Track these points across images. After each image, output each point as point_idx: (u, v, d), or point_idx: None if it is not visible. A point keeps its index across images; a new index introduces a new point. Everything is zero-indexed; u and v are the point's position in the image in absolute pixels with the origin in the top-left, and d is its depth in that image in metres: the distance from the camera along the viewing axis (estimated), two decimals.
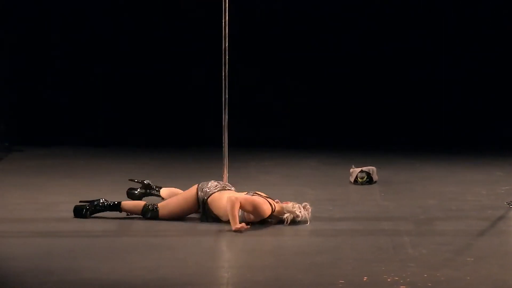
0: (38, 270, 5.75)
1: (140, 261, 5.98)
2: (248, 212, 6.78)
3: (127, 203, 7.06)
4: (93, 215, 7.00)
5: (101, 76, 10.43)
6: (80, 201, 7.11)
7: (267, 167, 9.32)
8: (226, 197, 6.84)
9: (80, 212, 7.00)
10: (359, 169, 8.50)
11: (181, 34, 10.40)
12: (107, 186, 8.12)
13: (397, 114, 10.52)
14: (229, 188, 7.03)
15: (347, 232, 6.79)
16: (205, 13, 10.22)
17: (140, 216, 7.00)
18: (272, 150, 10.12)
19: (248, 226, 6.72)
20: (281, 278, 5.68)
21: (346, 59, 10.48)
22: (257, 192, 7.01)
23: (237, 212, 6.73)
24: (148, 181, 7.60)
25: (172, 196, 7.26)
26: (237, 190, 7.09)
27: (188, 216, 7.08)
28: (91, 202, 7.04)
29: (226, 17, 7.34)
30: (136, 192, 7.55)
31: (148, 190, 7.55)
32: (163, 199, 7.37)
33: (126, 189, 7.57)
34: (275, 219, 6.93)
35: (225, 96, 7.43)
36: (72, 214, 7.06)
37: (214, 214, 6.90)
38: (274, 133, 10.50)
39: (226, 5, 7.34)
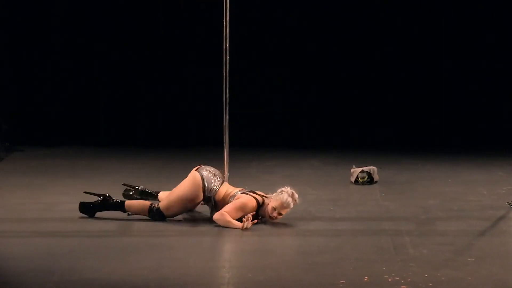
0: (39, 270, 5.76)
1: (141, 261, 5.99)
2: (239, 216, 6.83)
3: (132, 203, 7.04)
4: (97, 213, 7.00)
5: (102, 76, 10.43)
6: (85, 192, 7.11)
7: (268, 167, 9.33)
8: (223, 191, 6.95)
9: (86, 208, 6.99)
10: (360, 169, 8.51)
11: (181, 34, 10.41)
12: (108, 186, 8.11)
13: (398, 114, 10.52)
14: (222, 179, 7.08)
15: (348, 232, 6.80)
16: (205, 13, 10.23)
17: (145, 216, 7.00)
18: (274, 150, 10.13)
19: (251, 216, 6.78)
20: (282, 278, 5.69)
21: (347, 59, 10.48)
22: (255, 191, 7.04)
23: (231, 218, 6.78)
24: (142, 187, 7.51)
25: None
26: (238, 188, 7.13)
27: (189, 216, 7.11)
28: (99, 196, 7.01)
29: (226, 17, 7.35)
30: (131, 193, 7.50)
31: (143, 197, 7.47)
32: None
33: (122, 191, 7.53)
34: (268, 214, 6.92)
35: (225, 96, 7.44)
36: (73, 213, 7.07)
37: (218, 207, 6.97)
38: (275, 133, 10.50)
39: (226, 5, 7.34)
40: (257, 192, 7.05)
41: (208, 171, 7.04)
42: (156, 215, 6.96)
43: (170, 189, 7.32)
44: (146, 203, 7.06)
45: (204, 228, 6.86)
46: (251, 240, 6.57)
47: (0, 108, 10.14)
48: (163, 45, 10.40)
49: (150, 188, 7.56)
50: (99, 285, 5.53)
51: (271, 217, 6.91)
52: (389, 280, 5.62)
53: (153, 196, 7.44)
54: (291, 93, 10.52)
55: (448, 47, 10.42)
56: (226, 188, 7.04)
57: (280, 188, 6.97)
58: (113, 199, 7.06)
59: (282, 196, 6.88)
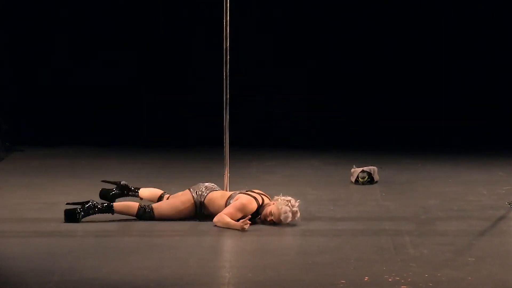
0: (39, 270, 5.76)
1: (141, 261, 5.99)
2: (239, 217, 6.83)
3: (120, 205, 6.96)
4: (84, 218, 6.93)
5: (102, 76, 10.43)
6: (68, 203, 6.99)
7: (268, 167, 9.33)
8: (219, 196, 6.95)
9: (72, 216, 6.89)
10: (360, 169, 8.51)
11: (182, 34, 10.41)
12: (109, 186, 8.12)
13: (399, 113, 10.52)
14: (217, 189, 7.08)
15: (348, 232, 6.80)
16: (205, 12, 10.23)
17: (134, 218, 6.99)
18: (274, 150, 10.13)
19: (248, 217, 6.77)
20: (282, 278, 5.69)
21: (347, 58, 10.48)
22: (253, 190, 7.04)
23: (229, 219, 6.78)
24: (124, 182, 7.48)
25: (153, 196, 7.28)
26: (236, 190, 7.13)
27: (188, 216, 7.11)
28: (82, 204, 6.93)
29: (226, 17, 7.36)
30: (111, 193, 7.46)
31: (125, 191, 7.45)
32: (141, 199, 7.34)
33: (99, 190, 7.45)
34: (263, 215, 6.92)
35: (226, 95, 7.44)
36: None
37: (210, 213, 6.95)
38: (275, 133, 10.51)
39: (226, 4, 7.35)
40: (254, 190, 7.03)
41: (197, 185, 7.04)
42: (146, 213, 6.93)
43: (170, 190, 7.34)
44: (134, 204, 6.97)
45: (204, 228, 6.86)
46: (252, 240, 6.57)
47: (0, 108, 10.14)
48: (163, 44, 10.40)
49: (147, 187, 7.56)
50: (99, 285, 5.53)
51: (265, 220, 6.90)
52: (389, 280, 5.62)
53: (133, 191, 7.38)
54: (292, 93, 10.52)
55: (448, 46, 10.43)
56: (221, 193, 7.02)
57: (290, 196, 6.90)
58: (98, 203, 6.93)
59: (284, 209, 6.83)
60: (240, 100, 9.94)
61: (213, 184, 7.13)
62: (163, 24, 10.38)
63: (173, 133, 10.50)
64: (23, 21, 10.29)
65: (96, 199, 7.13)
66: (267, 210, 6.88)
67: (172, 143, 10.41)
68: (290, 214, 6.83)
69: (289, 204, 6.83)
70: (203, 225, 6.90)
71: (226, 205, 6.95)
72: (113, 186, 7.51)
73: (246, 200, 6.87)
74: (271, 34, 10.44)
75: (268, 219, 6.89)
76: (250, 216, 6.83)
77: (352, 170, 8.58)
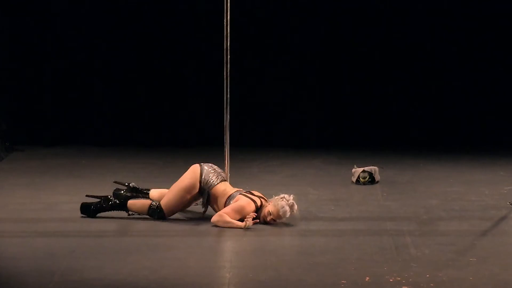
0: (39, 270, 5.77)
1: (141, 261, 6.00)
2: (237, 219, 6.84)
3: (134, 203, 7.05)
4: (98, 214, 7.01)
5: (103, 75, 10.43)
6: (87, 195, 7.13)
7: (269, 167, 9.33)
8: (221, 192, 6.96)
9: (87, 209, 7.01)
10: (361, 169, 8.51)
11: (182, 33, 10.41)
12: (110, 186, 8.13)
13: (400, 113, 10.52)
14: (223, 178, 7.08)
15: (349, 232, 6.81)
16: (206, 12, 10.23)
17: (145, 216, 7.02)
18: (275, 150, 10.13)
19: (255, 215, 6.79)
20: (283, 278, 5.69)
21: (348, 58, 10.48)
22: (251, 191, 7.05)
23: (230, 219, 6.80)
24: (133, 184, 7.48)
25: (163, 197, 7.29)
26: (238, 188, 7.14)
27: (190, 216, 7.11)
28: (100, 198, 7.04)
29: (227, 16, 7.36)
30: (122, 192, 7.47)
31: (134, 194, 7.47)
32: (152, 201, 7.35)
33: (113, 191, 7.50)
34: (262, 216, 6.93)
35: (226, 95, 7.44)
36: (74, 213, 7.08)
37: (211, 203, 6.99)
38: (277, 132, 10.50)
39: (227, 4, 7.35)
40: (254, 193, 7.05)
41: (209, 166, 7.07)
42: (156, 212, 6.97)
43: (166, 188, 7.34)
44: (147, 202, 7.07)
45: (204, 228, 6.87)
46: (252, 240, 6.57)
47: (0, 107, 10.15)
48: (163, 44, 10.40)
49: (150, 187, 7.57)
50: (100, 285, 5.54)
51: (266, 221, 6.92)
52: (391, 280, 5.63)
53: (144, 193, 7.41)
54: (293, 92, 10.51)
55: (450, 45, 10.42)
56: (224, 187, 7.04)
57: (282, 193, 6.96)
58: (114, 200, 7.07)
59: (281, 204, 6.87)
60: (241, 99, 9.94)
61: (222, 172, 7.12)
62: (164, 22, 10.37)
63: (174, 133, 10.49)
64: (23, 21, 10.28)
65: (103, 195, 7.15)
66: (265, 210, 6.91)
67: (173, 143, 10.41)
68: (287, 208, 6.86)
69: (284, 200, 6.87)
70: (204, 225, 6.91)
71: (225, 204, 6.96)
72: (123, 188, 7.51)
73: (245, 202, 6.89)
74: (273, 33, 10.43)
75: (268, 219, 6.90)
76: (255, 214, 6.84)
77: (353, 170, 8.58)
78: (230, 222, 6.81)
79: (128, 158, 9.75)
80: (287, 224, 6.94)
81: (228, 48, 7.38)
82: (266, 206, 6.94)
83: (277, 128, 10.49)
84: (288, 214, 6.89)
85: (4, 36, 10.24)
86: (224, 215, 6.83)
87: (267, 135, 10.48)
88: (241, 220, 6.86)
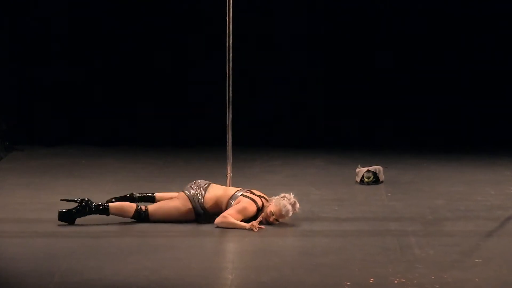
0: (39, 271, 5.76)
1: (142, 262, 5.99)
2: (239, 220, 6.83)
3: (116, 207, 6.91)
4: (78, 218, 6.87)
5: (104, 75, 10.43)
6: (62, 200, 6.98)
7: (271, 166, 9.33)
8: (221, 193, 6.92)
9: (66, 216, 6.85)
10: (365, 168, 8.50)
11: (183, 32, 10.41)
12: (110, 186, 8.13)
13: (404, 113, 10.52)
14: (209, 184, 7.04)
15: (353, 233, 6.80)
16: (208, 10, 10.23)
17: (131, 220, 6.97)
18: (277, 150, 10.13)
19: (263, 228, 6.79)
20: (285, 279, 5.68)
21: (351, 57, 10.48)
22: (251, 190, 7.04)
23: (234, 220, 6.79)
24: (138, 194, 7.34)
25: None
26: (238, 188, 7.13)
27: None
28: (78, 203, 6.88)
29: (229, 14, 7.35)
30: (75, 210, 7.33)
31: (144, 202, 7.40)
32: None
33: (128, 193, 7.39)
34: (264, 217, 6.92)
35: (228, 94, 7.43)
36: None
37: (213, 213, 6.94)
38: (279, 132, 10.50)
39: (229, 2, 7.34)
40: (254, 192, 7.03)
41: (189, 187, 6.98)
42: (141, 216, 6.91)
43: (171, 190, 7.32)
44: (131, 205, 6.96)
45: (206, 228, 6.86)
46: (254, 241, 6.56)
47: None
48: (165, 43, 10.40)
49: (149, 189, 7.53)
50: (100, 286, 5.53)
51: (268, 221, 6.91)
52: (395, 281, 5.62)
53: (152, 198, 7.30)
54: (296, 92, 10.52)
55: (454, 45, 10.42)
56: (219, 190, 7.00)
57: (283, 193, 6.95)
58: (94, 203, 6.91)
59: (282, 203, 6.86)
60: (243, 98, 9.94)
61: (203, 180, 7.09)
62: (164, 21, 10.37)
63: (175, 132, 10.49)
64: (22, 20, 10.29)
65: (97, 199, 7.12)
66: (267, 211, 6.90)
67: (174, 143, 10.41)
68: (289, 207, 6.85)
69: (285, 199, 6.85)
70: (205, 226, 6.90)
71: (227, 205, 6.95)
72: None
73: (248, 204, 6.88)
74: (275, 31, 10.43)
75: (271, 219, 6.89)
76: (263, 227, 6.82)
77: (357, 169, 8.57)
78: (234, 223, 6.80)
79: (128, 158, 9.74)
80: (289, 225, 6.94)
81: (230, 46, 7.37)
82: (267, 206, 6.93)
83: (279, 127, 10.48)
84: (291, 213, 6.88)
85: (4, 35, 10.25)
86: (228, 216, 6.83)
87: (269, 135, 10.48)
88: (244, 220, 6.85)
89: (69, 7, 10.29)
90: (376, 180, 8.47)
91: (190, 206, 6.93)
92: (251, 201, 6.91)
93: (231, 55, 7.38)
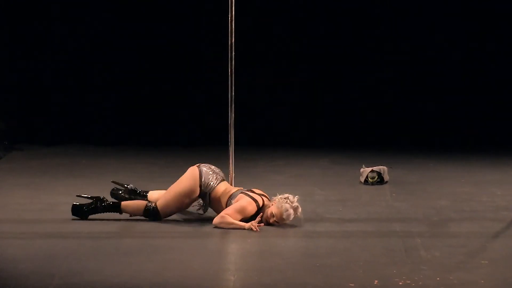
0: (40, 272, 5.78)
1: (143, 263, 6.00)
2: (238, 219, 6.84)
3: (128, 204, 7.02)
4: (91, 216, 6.98)
5: (105, 74, 10.45)
6: (78, 195, 7.08)
7: (275, 166, 9.34)
8: (222, 191, 6.95)
9: (79, 211, 6.98)
10: (370, 168, 8.51)
11: (185, 31, 10.42)
12: (110, 186, 8.13)
13: (409, 112, 10.52)
14: (222, 178, 7.07)
15: (357, 234, 6.80)
16: (210, 9, 10.24)
17: (142, 217, 7.01)
18: (281, 149, 10.13)
19: (262, 225, 6.79)
20: (288, 281, 5.69)
21: (355, 56, 10.48)
22: (252, 189, 7.04)
23: (233, 219, 6.80)
24: (131, 186, 7.47)
25: None
26: (239, 187, 7.14)
27: (193, 218, 7.11)
28: (93, 199, 7.01)
29: (232, 12, 7.36)
30: (120, 192, 7.49)
31: (131, 196, 7.46)
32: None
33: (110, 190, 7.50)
34: (265, 218, 6.93)
35: (231, 93, 7.44)
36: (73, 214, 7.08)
37: (211, 205, 6.98)
38: (282, 131, 10.51)
39: (232, 0, 7.34)
40: (255, 191, 7.03)
41: (207, 167, 7.04)
42: (152, 214, 6.95)
43: (164, 189, 7.34)
44: (142, 202, 7.03)
45: (208, 229, 6.86)
46: (257, 242, 6.57)
47: None
48: (166, 42, 10.41)
49: (150, 188, 7.57)
50: (102, 287, 5.54)
51: (268, 222, 6.91)
52: (400, 283, 5.62)
53: (142, 196, 7.39)
54: (299, 91, 10.52)
55: (462, 43, 10.42)
56: (224, 187, 7.03)
57: (287, 193, 6.93)
58: (107, 201, 7.02)
59: (285, 206, 6.84)
60: (247, 97, 9.94)
61: (219, 173, 7.11)
62: (166, 20, 10.38)
63: (177, 132, 10.50)
64: (22, 19, 10.30)
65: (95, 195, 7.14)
66: (268, 212, 6.89)
67: (176, 142, 10.42)
68: (291, 211, 6.84)
69: (288, 201, 6.84)
70: (207, 227, 6.91)
71: (226, 204, 6.95)
72: (121, 188, 7.52)
73: (247, 203, 6.88)
74: (279, 30, 10.44)
75: (271, 221, 6.89)
76: (263, 224, 6.83)
77: (362, 170, 8.58)
78: (232, 223, 6.80)
79: (129, 157, 9.76)
80: (292, 226, 6.94)
81: (233, 44, 7.37)
82: (269, 206, 6.93)
83: (283, 126, 10.49)
84: (292, 217, 6.88)
85: (3, 35, 10.26)
86: (226, 216, 6.82)
87: (272, 134, 10.49)
88: (243, 220, 6.85)
89: (69, 7, 10.30)
90: (380, 180, 8.47)
91: (198, 182, 6.93)
92: (251, 199, 6.90)
93: (233, 53, 7.39)
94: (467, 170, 9.18)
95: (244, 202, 6.88)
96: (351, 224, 7.08)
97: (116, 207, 6.99)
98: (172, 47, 10.42)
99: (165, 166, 9.35)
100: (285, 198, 6.88)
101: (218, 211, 6.96)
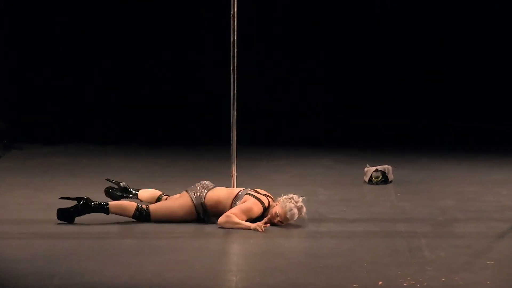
0: (39, 273, 5.78)
1: (144, 264, 6.00)
2: (244, 220, 6.84)
3: (115, 205, 6.95)
4: (78, 217, 6.91)
5: (104, 72, 10.45)
6: (61, 198, 7.01)
7: (278, 166, 9.34)
8: (225, 194, 6.94)
9: (65, 214, 6.89)
10: (374, 168, 8.51)
11: (187, 29, 10.42)
12: (106, 184, 8.13)
13: (414, 111, 10.52)
14: (213, 186, 7.06)
15: (361, 234, 6.80)
16: (212, 6, 10.24)
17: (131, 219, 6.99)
18: (284, 148, 10.13)
19: (268, 226, 6.79)
20: (291, 281, 5.69)
21: (359, 55, 10.48)
22: (256, 189, 7.04)
23: (238, 219, 6.79)
24: (124, 183, 7.50)
25: (152, 198, 7.29)
26: (243, 188, 7.14)
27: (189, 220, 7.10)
28: (77, 201, 6.92)
29: (234, 9, 7.36)
30: (114, 191, 7.50)
31: (124, 194, 7.47)
32: (141, 201, 7.32)
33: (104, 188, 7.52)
34: (269, 218, 6.93)
35: (233, 91, 7.44)
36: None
37: (214, 213, 6.95)
38: (285, 130, 10.51)
39: None
40: (259, 191, 7.03)
41: (193, 188, 7.00)
42: (142, 217, 6.92)
43: (160, 189, 7.33)
44: (131, 204, 6.98)
45: (210, 229, 6.87)
46: (260, 242, 6.57)
47: None
48: (168, 40, 10.41)
49: (149, 187, 7.59)
50: None
51: (272, 222, 6.90)
52: (404, 284, 5.62)
53: (133, 194, 7.42)
54: (302, 89, 10.52)
55: (467, 43, 10.42)
56: (223, 191, 7.01)
57: (292, 193, 6.93)
58: (93, 201, 6.94)
59: (289, 206, 6.85)
60: (249, 96, 9.95)
61: (209, 182, 7.11)
62: (166, 18, 10.38)
63: (178, 130, 10.50)
64: (22, 18, 10.31)
65: (97, 198, 7.13)
66: (272, 212, 6.90)
67: (178, 141, 10.42)
68: (296, 211, 6.85)
69: (293, 201, 6.85)
70: (209, 227, 6.91)
71: (231, 205, 6.95)
72: (115, 186, 7.56)
73: (253, 204, 6.88)
74: (282, 28, 10.44)
75: (275, 221, 6.90)
76: (268, 225, 6.83)
77: (366, 169, 8.58)
78: (238, 223, 6.80)
79: (129, 156, 9.76)
80: (296, 226, 6.94)
81: (235, 42, 7.37)
82: (274, 206, 6.93)
83: (286, 125, 10.49)
84: (296, 217, 6.88)
85: (3, 34, 10.27)
86: (232, 215, 6.82)
87: (275, 133, 10.49)
88: (248, 221, 6.85)
89: (68, 7, 10.31)
90: (385, 180, 8.47)
91: (191, 204, 6.94)
92: (257, 201, 6.91)
93: (236, 51, 7.39)
94: (473, 169, 9.17)
95: (251, 203, 6.89)
96: (354, 224, 7.08)
97: (103, 208, 6.93)
98: (175, 44, 10.42)
99: (166, 165, 9.35)
100: (289, 198, 6.89)
101: (220, 215, 6.93)
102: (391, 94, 10.51)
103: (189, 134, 10.51)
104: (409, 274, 5.81)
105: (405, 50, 10.44)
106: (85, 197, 6.94)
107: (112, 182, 7.58)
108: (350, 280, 5.68)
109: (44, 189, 8.17)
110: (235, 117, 7.45)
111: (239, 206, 6.88)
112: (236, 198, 6.97)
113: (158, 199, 7.34)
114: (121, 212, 6.94)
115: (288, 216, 6.85)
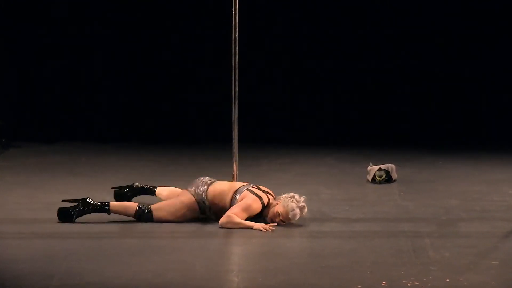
0: (39, 273, 5.79)
1: (144, 264, 6.01)
2: (244, 218, 6.84)
3: (117, 205, 6.96)
4: (79, 217, 6.93)
5: (104, 70, 10.46)
6: (63, 200, 7.02)
7: (280, 164, 9.34)
8: (226, 188, 6.95)
9: (66, 215, 6.92)
10: (377, 167, 8.51)
11: (189, 28, 10.42)
12: (111, 184, 8.14)
13: (418, 110, 10.52)
14: (214, 180, 7.07)
15: (364, 234, 6.80)
16: (213, 4, 10.24)
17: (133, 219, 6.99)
18: (286, 147, 10.14)
19: (273, 229, 6.79)
20: (294, 282, 5.70)
21: (362, 53, 10.48)
22: (258, 185, 7.04)
23: (241, 219, 6.80)
24: (137, 184, 7.49)
25: (173, 196, 7.28)
26: (244, 183, 7.14)
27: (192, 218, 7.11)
28: (78, 201, 6.95)
29: (235, 6, 7.36)
30: (125, 191, 7.49)
31: (142, 194, 7.46)
32: (160, 199, 7.34)
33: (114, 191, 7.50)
34: (270, 217, 6.93)
35: (235, 89, 7.44)
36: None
37: (215, 208, 6.95)
38: (287, 129, 10.51)
39: None
40: (261, 188, 7.03)
41: (192, 185, 7.01)
42: (144, 216, 6.93)
43: (172, 185, 7.34)
44: (132, 204, 6.98)
45: (211, 229, 6.87)
46: (261, 242, 6.58)
47: None
48: (169, 39, 10.42)
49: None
50: None
51: (272, 221, 6.91)
52: (408, 284, 5.63)
53: (151, 191, 7.42)
54: (305, 88, 10.52)
55: (474, 42, 10.42)
56: (224, 185, 7.03)
57: (293, 192, 6.93)
58: (94, 202, 6.95)
59: (291, 206, 6.85)
60: (251, 94, 9.95)
61: (208, 177, 7.11)
62: (167, 17, 10.39)
63: (179, 129, 10.51)
64: (21, 18, 10.32)
65: (97, 197, 7.14)
66: (274, 210, 6.90)
67: (179, 139, 10.42)
68: (297, 210, 6.85)
69: (294, 200, 6.85)
70: (210, 227, 6.91)
71: (231, 200, 6.94)
72: (123, 190, 7.50)
73: (252, 201, 6.88)
74: (283, 26, 10.44)
75: (277, 220, 6.90)
76: (273, 228, 6.82)
77: (369, 168, 8.58)
78: (240, 223, 6.81)
79: (130, 155, 9.77)
80: (298, 226, 6.95)
81: (237, 39, 7.38)
82: (275, 205, 6.93)
83: (288, 124, 10.49)
84: (297, 217, 6.89)
85: (3, 33, 10.29)
86: (233, 215, 6.83)
87: (277, 131, 10.49)
88: (248, 218, 6.86)
89: (68, 4, 10.32)
90: (388, 178, 8.47)
91: (194, 200, 6.95)
92: (256, 197, 6.90)
93: (237, 48, 7.39)
94: (477, 168, 9.17)
95: (249, 200, 6.88)
96: (358, 224, 7.09)
97: (104, 209, 6.94)
98: (175, 42, 10.42)
99: (167, 164, 9.35)
100: (290, 197, 6.88)
101: (222, 212, 6.95)
102: (395, 92, 10.51)
103: (190, 132, 10.51)
104: (413, 274, 5.82)
105: (407, 49, 10.44)
106: (86, 198, 6.97)
107: (120, 188, 7.53)
108: (353, 281, 5.69)
109: (43, 188, 8.18)
110: (237, 115, 7.45)
111: (239, 205, 6.87)
112: (237, 192, 6.97)
113: None
114: (123, 212, 6.96)
115: (290, 215, 6.86)
